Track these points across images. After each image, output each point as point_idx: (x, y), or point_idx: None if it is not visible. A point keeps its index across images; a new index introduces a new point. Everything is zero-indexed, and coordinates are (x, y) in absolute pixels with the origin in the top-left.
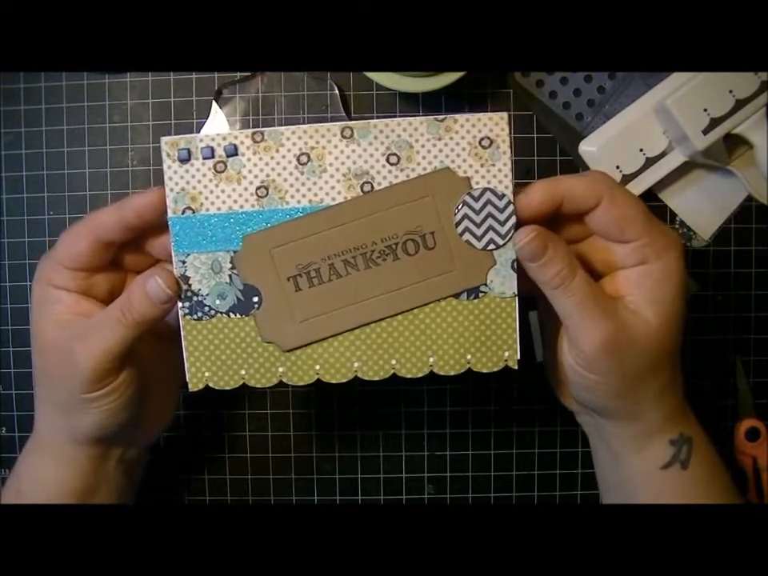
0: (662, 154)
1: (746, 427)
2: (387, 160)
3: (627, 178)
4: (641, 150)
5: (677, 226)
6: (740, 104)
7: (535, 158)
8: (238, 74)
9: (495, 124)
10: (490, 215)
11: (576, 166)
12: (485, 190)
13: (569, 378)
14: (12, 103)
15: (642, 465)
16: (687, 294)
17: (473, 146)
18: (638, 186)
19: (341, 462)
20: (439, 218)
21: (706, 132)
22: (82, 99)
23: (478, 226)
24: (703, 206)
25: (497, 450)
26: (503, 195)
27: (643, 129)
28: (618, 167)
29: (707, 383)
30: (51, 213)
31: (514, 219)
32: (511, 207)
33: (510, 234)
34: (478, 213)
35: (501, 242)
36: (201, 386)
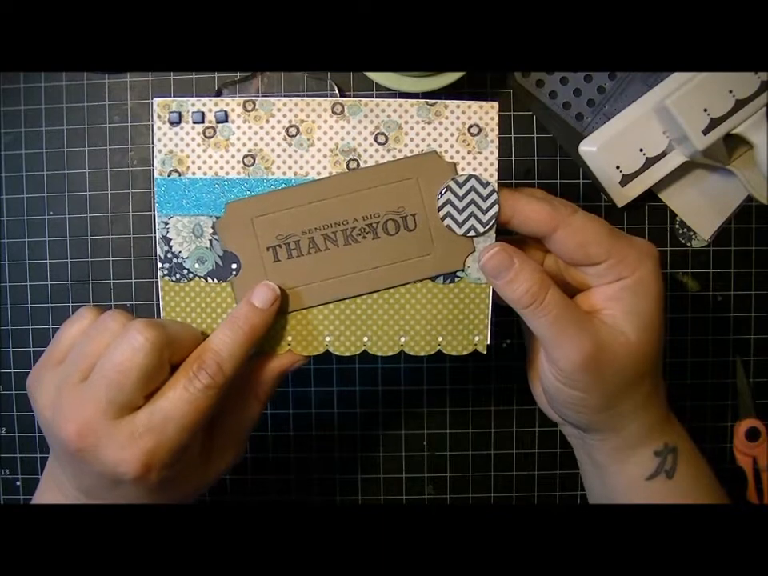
0: (662, 154)
1: (746, 427)
2: (375, 139)
3: (627, 178)
4: (641, 150)
5: (677, 226)
6: (740, 104)
7: (535, 158)
8: (238, 73)
9: (485, 113)
10: (472, 202)
11: (576, 166)
12: (470, 176)
13: (549, 394)
14: (12, 103)
15: (627, 476)
16: (665, 302)
17: (461, 133)
18: (637, 186)
19: (341, 461)
20: (422, 200)
21: (706, 132)
22: (82, 99)
23: (460, 212)
24: (703, 206)
25: (497, 450)
26: (488, 183)
27: (643, 129)
28: (618, 167)
29: (707, 383)
30: (51, 213)
31: (496, 208)
32: (495, 196)
33: (492, 223)
34: (461, 199)
35: (482, 229)
36: None
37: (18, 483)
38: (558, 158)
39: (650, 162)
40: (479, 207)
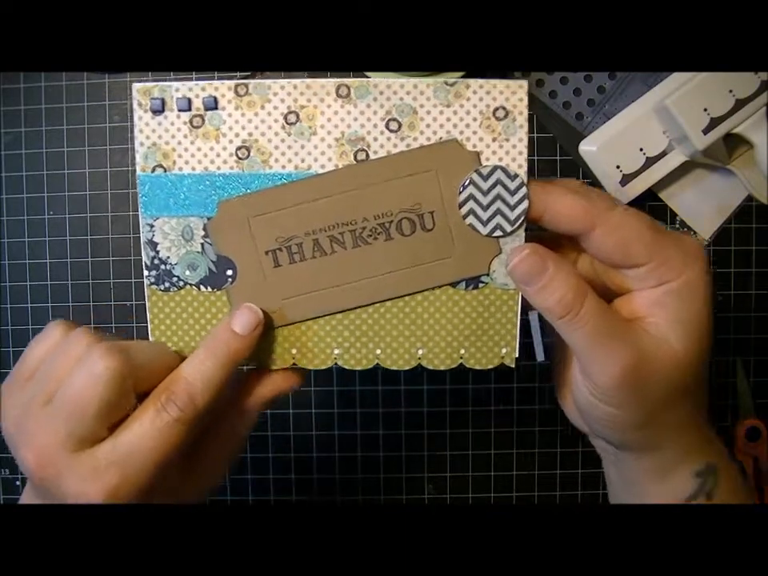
0: (662, 154)
1: (746, 427)
2: (386, 126)
3: (627, 178)
4: (641, 150)
5: (677, 226)
6: (740, 104)
7: (535, 157)
8: (238, 73)
9: (512, 93)
10: (499, 197)
11: (576, 165)
12: (495, 168)
13: (581, 409)
14: (12, 103)
15: (663, 496)
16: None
17: (485, 117)
18: (637, 186)
19: (341, 461)
20: (441, 196)
21: (706, 132)
22: (82, 99)
23: (485, 208)
24: (703, 206)
25: (497, 450)
26: (516, 176)
27: (643, 129)
28: (618, 167)
29: (707, 383)
30: (51, 213)
31: (525, 204)
32: (524, 190)
33: (521, 221)
34: (485, 194)
35: (509, 228)
36: None
37: (17, 483)
38: (558, 157)
39: (650, 162)
40: (506, 203)
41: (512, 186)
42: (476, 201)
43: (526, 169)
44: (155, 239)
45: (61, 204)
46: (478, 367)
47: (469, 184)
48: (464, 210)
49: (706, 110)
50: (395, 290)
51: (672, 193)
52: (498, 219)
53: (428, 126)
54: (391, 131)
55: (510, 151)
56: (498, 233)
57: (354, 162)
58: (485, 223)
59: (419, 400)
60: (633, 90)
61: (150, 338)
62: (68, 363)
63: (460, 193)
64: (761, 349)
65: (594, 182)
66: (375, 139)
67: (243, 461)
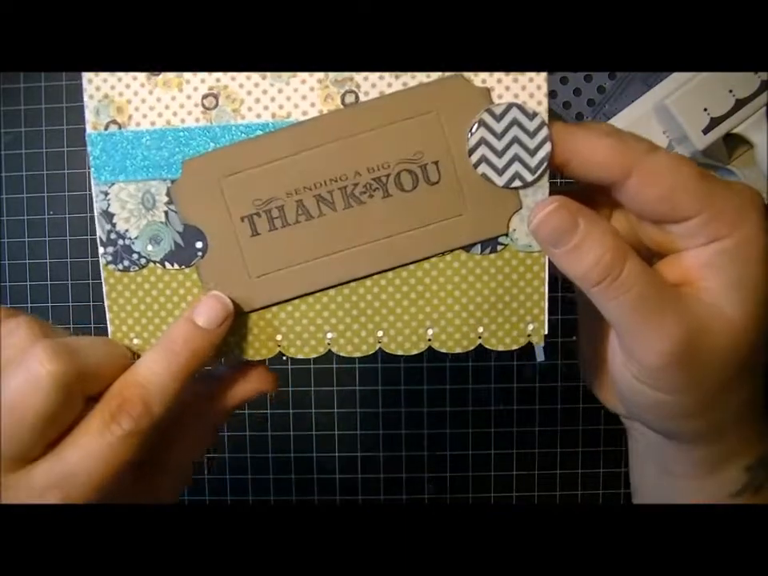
0: None
1: None
2: None
3: None
4: None
5: None
6: (740, 104)
7: None
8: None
9: None
10: (516, 140)
11: None
12: (510, 105)
13: (622, 394)
14: (12, 103)
15: (707, 492)
16: None
17: None
18: None
19: (341, 461)
20: (447, 142)
21: (706, 132)
22: (81, 99)
23: (500, 154)
24: None
25: (497, 450)
26: (535, 114)
27: (643, 129)
28: None
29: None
30: (51, 213)
31: (548, 147)
32: (545, 131)
33: (543, 168)
34: (500, 137)
35: (530, 177)
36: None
37: None
38: None
39: None
40: (525, 147)
41: (531, 126)
42: (489, 146)
43: (546, 106)
44: (111, 209)
45: (61, 204)
46: (500, 348)
47: (479, 126)
48: (475, 157)
49: (706, 109)
50: (397, 257)
51: None
52: (517, 167)
53: None
54: None
55: (527, 86)
56: (517, 183)
57: (342, 107)
58: (500, 172)
59: (419, 400)
60: (633, 89)
61: (110, 329)
62: (4, 361)
63: (469, 137)
64: None
65: None
66: (366, 78)
67: (243, 461)
